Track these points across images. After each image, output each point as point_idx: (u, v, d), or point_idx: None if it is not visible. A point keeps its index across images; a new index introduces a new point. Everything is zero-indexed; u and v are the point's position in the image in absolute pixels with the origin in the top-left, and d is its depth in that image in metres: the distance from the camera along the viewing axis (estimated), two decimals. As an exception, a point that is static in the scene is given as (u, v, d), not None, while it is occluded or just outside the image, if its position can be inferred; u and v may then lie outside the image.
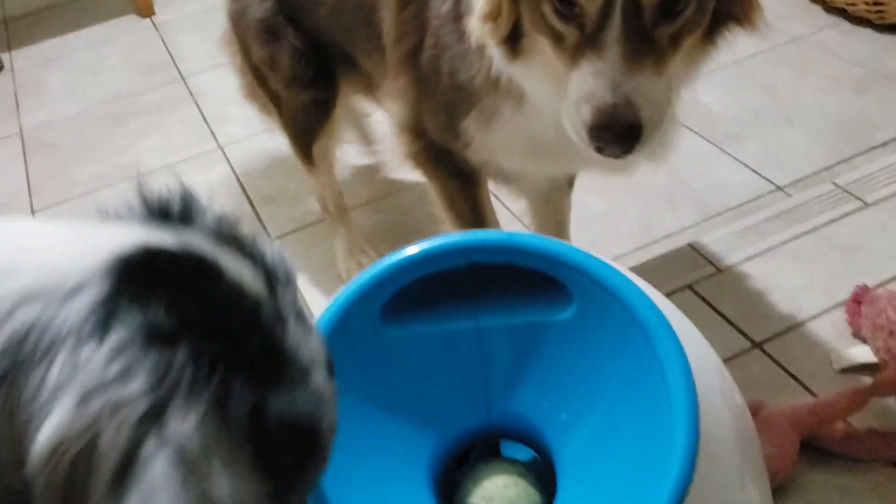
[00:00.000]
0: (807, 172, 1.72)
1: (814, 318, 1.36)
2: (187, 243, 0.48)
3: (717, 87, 2.04)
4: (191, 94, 2.42)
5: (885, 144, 1.77)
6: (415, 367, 0.86)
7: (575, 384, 0.83)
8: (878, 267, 1.39)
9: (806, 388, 1.25)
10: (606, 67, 0.89)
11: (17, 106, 2.48)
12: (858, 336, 1.28)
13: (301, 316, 0.52)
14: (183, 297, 0.45)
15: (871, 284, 1.32)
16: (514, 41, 1.02)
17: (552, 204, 1.44)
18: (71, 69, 2.64)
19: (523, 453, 0.92)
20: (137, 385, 0.41)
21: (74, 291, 0.43)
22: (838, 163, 1.74)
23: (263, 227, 1.86)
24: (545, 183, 1.40)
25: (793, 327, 1.34)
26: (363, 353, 0.85)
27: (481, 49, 1.09)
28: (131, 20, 2.87)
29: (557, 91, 0.99)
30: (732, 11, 0.99)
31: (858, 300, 1.28)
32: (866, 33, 2.18)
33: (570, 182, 1.44)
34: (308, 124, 1.55)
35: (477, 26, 1.03)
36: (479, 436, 0.89)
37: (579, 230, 1.52)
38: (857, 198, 1.59)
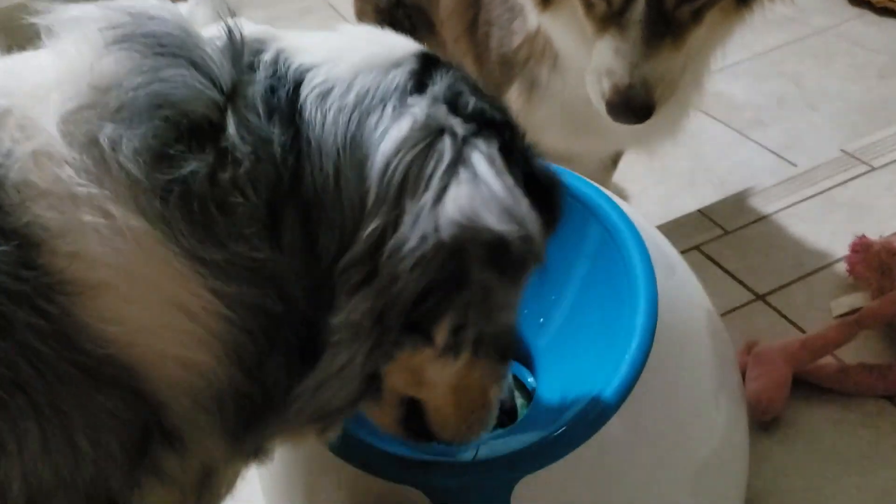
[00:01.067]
0: (829, 154, 1.75)
1: (816, 271, 1.39)
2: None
3: (742, 78, 2.08)
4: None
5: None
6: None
7: (550, 290, 0.90)
8: (881, 224, 1.42)
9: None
10: (627, 47, 0.96)
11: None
12: (857, 284, 1.31)
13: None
14: (456, 83, 0.62)
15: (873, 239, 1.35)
16: None
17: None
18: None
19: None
20: (457, 119, 0.58)
21: (395, 65, 0.60)
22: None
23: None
24: (592, 164, 1.43)
25: (795, 280, 1.38)
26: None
27: (523, 19, 1.15)
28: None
29: (584, 45, 1.05)
30: None
31: (857, 250, 1.31)
32: (891, 23, 2.21)
33: (615, 161, 1.48)
34: None
35: None
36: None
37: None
38: (865, 162, 1.63)
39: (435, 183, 0.55)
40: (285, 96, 0.57)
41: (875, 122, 1.82)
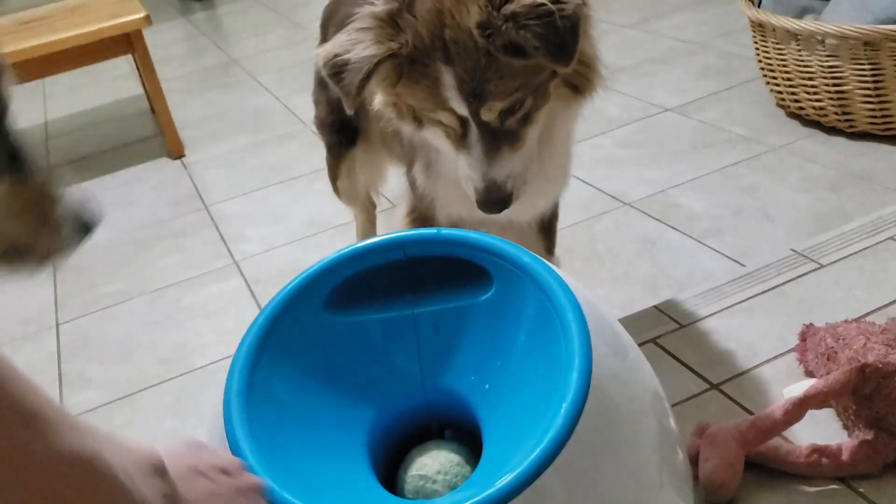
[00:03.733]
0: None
1: (768, 361, 1.42)
2: None
3: (700, 191, 2.16)
4: (212, 219, 2.60)
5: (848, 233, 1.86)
6: (356, 351, 0.96)
7: (494, 356, 0.92)
8: (830, 316, 1.45)
9: (760, 422, 1.29)
10: (474, 161, 1.22)
11: (53, 237, 2.68)
12: (808, 373, 1.34)
13: None
14: None
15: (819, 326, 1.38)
16: (418, 119, 1.30)
17: None
18: (103, 205, 2.84)
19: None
20: None
21: None
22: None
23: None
24: (514, 230, 1.56)
25: (748, 370, 1.40)
26: (308, 336, 0.94)
27: None
28: (163, 162, 3.12)
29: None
30: (579, 86, 1.25)
31: (804, 338, 1.34)
32: (839, 141, 2.31)
33: (542, 230, 1.60)
34: (332, 162, 1.91)
35: (382, 111, 1.32)
36: (418, 414, 0.97)
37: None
38: (813, 260, 1.68)
39: None
40: None
41: (826, 229, 1.88)
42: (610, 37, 3.51)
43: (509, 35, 1.11)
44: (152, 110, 3.36)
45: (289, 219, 2.51)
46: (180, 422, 1.67)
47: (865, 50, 2.17)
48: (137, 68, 3.30)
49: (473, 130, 1.20)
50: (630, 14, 3.65)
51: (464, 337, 0.95)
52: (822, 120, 2.36)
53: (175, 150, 3.12)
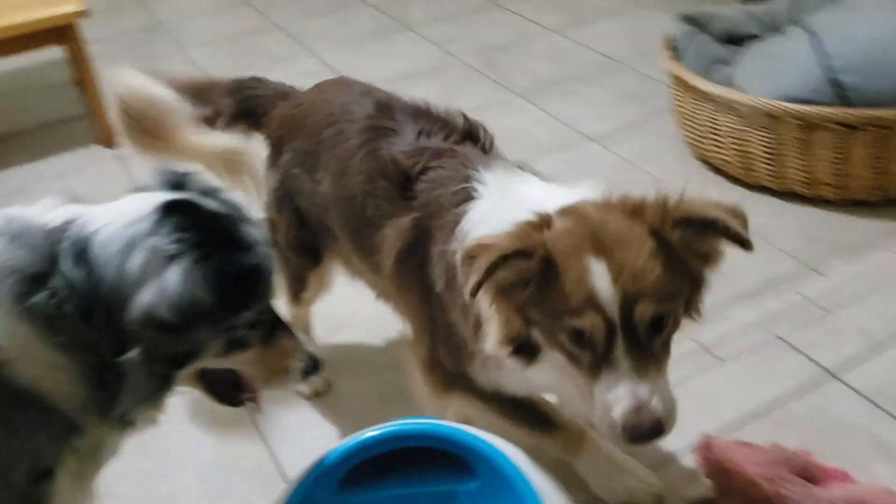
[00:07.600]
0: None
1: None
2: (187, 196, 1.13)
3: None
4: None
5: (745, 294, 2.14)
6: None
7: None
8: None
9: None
10: (621, 377, 1.13)
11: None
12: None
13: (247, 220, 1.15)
14: (182, 219, 1.06)
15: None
16: (529, 352, 1.25)
17: None
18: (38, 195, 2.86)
19: None
20: (174, 245, 1.03)
21: (141, 219, 1.04)
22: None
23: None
24: None
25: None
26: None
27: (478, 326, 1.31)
28: (95, 150, 3.13)
29: (567, 377, 1.23)
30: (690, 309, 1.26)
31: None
32: (740, 190, 2.55)
33: None
34: (297, 278, 1.89)
35: (493, 349, 1.26)
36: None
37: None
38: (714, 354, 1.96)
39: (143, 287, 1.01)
40: (83, 249, 1.02)
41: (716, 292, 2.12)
42: (538, 43, 3.70)
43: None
44: (77, 83, 3.27)
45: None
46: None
47: (770, 120, 2.42)
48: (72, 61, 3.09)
49: (619, 344, 1.12)
50: (556, 15, 3.80)
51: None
52: (726, 168, 2.62)
53: (107, 139, 3.10)
